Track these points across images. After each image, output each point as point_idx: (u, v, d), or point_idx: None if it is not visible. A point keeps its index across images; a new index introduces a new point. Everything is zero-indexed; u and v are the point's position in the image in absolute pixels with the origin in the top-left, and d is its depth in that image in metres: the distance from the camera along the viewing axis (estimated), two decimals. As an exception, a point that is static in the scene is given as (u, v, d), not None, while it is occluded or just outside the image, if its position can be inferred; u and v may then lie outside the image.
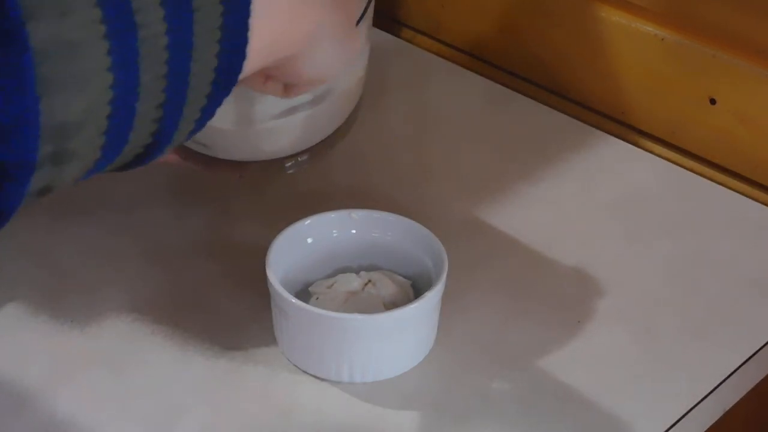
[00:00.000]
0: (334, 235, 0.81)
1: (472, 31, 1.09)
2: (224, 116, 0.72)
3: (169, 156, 0.78)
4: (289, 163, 0.78)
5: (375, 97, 1.03)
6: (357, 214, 0.81)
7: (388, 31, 1.12)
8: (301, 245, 0.79)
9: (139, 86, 0.50)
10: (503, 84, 1.06)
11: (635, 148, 0.99)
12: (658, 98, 0.98)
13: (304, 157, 0.78)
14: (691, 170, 0.96)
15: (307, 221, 0.80)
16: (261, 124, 0.74)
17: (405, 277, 0.80)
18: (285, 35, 0.60)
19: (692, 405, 0.75)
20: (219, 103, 0.56)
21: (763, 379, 0.82)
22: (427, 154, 0.97)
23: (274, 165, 0.78)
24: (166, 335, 0.79)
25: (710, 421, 0.78)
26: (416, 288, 0.79)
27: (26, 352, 0.78)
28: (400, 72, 1.08)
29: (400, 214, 0.81)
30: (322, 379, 0.76)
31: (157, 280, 0.83)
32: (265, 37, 0.58)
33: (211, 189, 0.92)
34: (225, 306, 0.81)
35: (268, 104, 0.73)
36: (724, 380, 0.77)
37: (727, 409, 0.79)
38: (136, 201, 0.91)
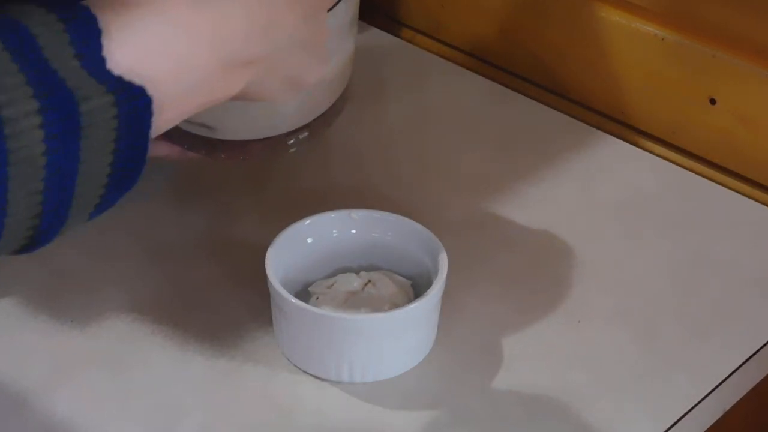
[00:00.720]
0: (334, 235, 0.81)
1: (472, 31, 1.09)
2: None
3: (171, 150, 0.78)
4: (291, 140, 0.78)
5: (375, 96, 1.03)
6: (357, 214, 0.81)
7: (388, 31, 1.12)
8: (301, 245, 0.79)
9: (6, 204, 0.50)
10: (503, 84, 1.06)
11: (635, 148, 0.99)
12: (658, 98, 0.98)
13: (304, 134, 0.78)
14: (691, 170, 0.96)
15: (307, 221, 0.80)
16: None
17: (405, 277, 0.80)
18: (211, 98, 0.59)
19: (692, 405, 0.75)
20: (125, 190, 0.56)
21: (763, 379, 0.82)
22: (427, 154, 0.97)
23: (276, 143, 0.78)
24: (166, 335, 0.79)
25: (710, 421, 0.78)
26: (416, 288, 0.79)
27: (26, 352, 0.78)
28: (400, 72, 1.08)
29: (400, 214, 0.81)
30: (322, 379, 0.76)
31: (157, 280, 0.83)
32: (179, 112, 0.57)
33: (211, 188, 0.92)
34: (225, 306, 0.81)
35: None
36: (724, 380, 0.77)
37: (727, 409, 0.79)
38: (136, 200, 0.91)
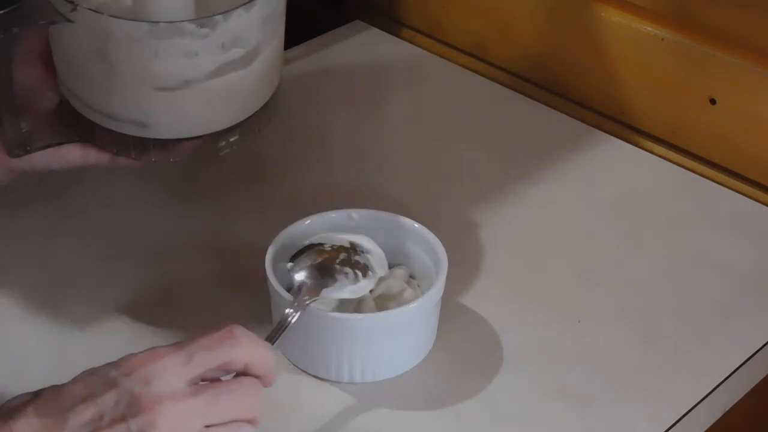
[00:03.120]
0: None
1: (472, 31, 1.09)
2: (165, 76, 0.73)
3: (99, 158, 0.78)
4: (222, 143, 0.78)
5: (375, 96, 1.03)
6: (357, 214, 0.81)
7: (388, 31, 1.12)
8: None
9: None
10: (503, 84, 1.06)
11: (635, 148, 0.99)
12: (658, 98, 0.98)
13: (235, 137, 0.78)
14: (691, 170, 0.96)
15: (307, 221, 0.80)
16: (198, 84, 0.74)
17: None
18: None
19: (692, 405, 0.75)
20: None
21: (763, 379, 0.82)
22: (427, 153, 0.97)
23: (207, 146, 0.78)
24: (166, 335, 0.79)
25: (710, 421, 0.78)
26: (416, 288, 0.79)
27: (26, 352, 0.78)
28: (400, 72, 1.08)
29: (400, 214, 0.81)
30: (322, 379, 0.76)
31: (157, 280, 0.83)
32: None
33: (211, 188, 0.92)
34: (225, 306, 0.81)
35: (204, 59, 0.73)
36: (724, 380, 0.77)
37: (727, 409, 0.79)
38: (136, 201, 0.91)
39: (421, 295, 0.76)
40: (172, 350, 0.64)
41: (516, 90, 1.05)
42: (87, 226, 0.88)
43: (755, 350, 0.80)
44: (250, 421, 0.64)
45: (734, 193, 0.94)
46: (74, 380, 0.64)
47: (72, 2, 0.72)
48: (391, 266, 0.80)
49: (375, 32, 1.12)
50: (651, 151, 0.98)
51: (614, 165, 0.96)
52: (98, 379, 0.63)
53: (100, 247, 0.86)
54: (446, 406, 0.75)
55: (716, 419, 0.79)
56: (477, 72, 1.07)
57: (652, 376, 0.77)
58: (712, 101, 0.95)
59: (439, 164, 0.96)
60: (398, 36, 1.12)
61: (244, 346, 0.65)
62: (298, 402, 0.75)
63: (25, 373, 0.76)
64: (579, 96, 1.03)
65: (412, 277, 0.80)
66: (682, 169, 0.96)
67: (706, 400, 0.76)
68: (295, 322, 0.72)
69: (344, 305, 0.77)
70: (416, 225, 0.80)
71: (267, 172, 0.94)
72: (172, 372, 0.63)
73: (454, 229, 0.87)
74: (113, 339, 0.79)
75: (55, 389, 0.63)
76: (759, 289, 0.84)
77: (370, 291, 0.78)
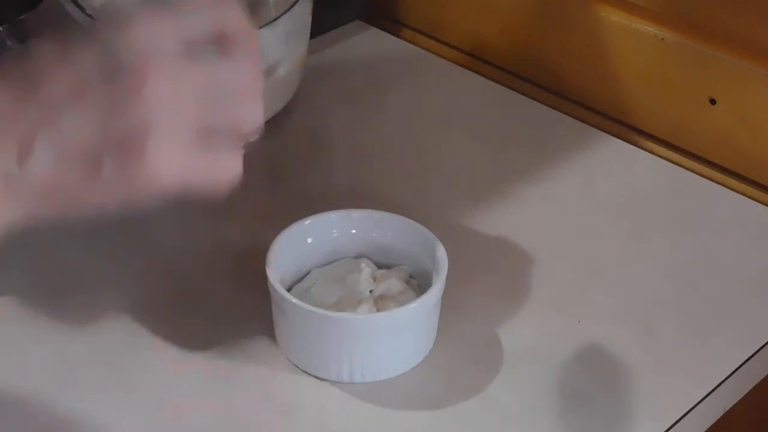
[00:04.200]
0: (334, 235, 0.80)
1: (472, 31, 1.09)
2: None
3: None
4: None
5: (375, 96, 1.03)
6: (357, 214, 0.81)
7: (388, 31, 1.12)
8: (301, 245, 0.79)
9: None
10: (503, 84, 1.06)
11: (635, 148, 0.99)
12: (658, 98, 0.98)
13: (254, 136, 0.77)
14: (692, 170, 0.96)
15: (307, 221, 0.80)
16: None
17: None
18: None
19: (692, 405, 0.75)
20: None
21: (763, 379, 0.82)
22: (427, 154, 0.97)
23: None
24: (166, 335, 0.79)
25: (710, 421, 0.78)
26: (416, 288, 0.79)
27: (26, 352, 0.78)
28: (400, 72, 1.08)
29: (400, 214, 0.81)
30: (322, 379, 0.76)
31: (157, 280, 0.83)
32: None
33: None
34: (225, 306, 0.81)
35: None
36: (724, 380, 0.77)
37: (727, 409, 0.79)
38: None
39: (421, 295, 0.76)
40: (153, 12, 0.55)
41: (516, 90, 1.05)
42: (87, 225, 0.88)
43: (755, 350, 0.80)
44: (254, 95, 0.57)
45: (735, 193, 0.94)
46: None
47: (90, 15, 0.71)
48: (391, 266, 0.80)
49: (375, 32, 1.12)
50: (651, 151, 0.98)
51: (614, 165, 0.96)
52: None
53: (101, 247, 0.86)
54: (446, 406, 0.75)
55: (716, 419, 0.79)
56: (477, 72, 1.07)
57: (652, 376, 0.77)
58: (712, 101, 0.95)
59: (438, 164, 0.96)
60: (398, 36, 1.13)
61: (239, 13, 0.56)
62: (298, 402, 0.75)
63: (25, 373, 0.76)
64: (579, 96, 1.03)
65: (412, 277, 0.80)
66: (682, 169, 0.96)
67: (706, 400, 0.76)
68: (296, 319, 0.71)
69: (344, 304, 0.77)
70: (416, 225, 0.80)
71: (267, 172, 0.94)
72: (161, 31, 0.54)
73: (454, 229, 0.87)
74: (113, 339, 0.79)
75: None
76: (759, 289, 0.84)
77: (370, 291, 0.78)
